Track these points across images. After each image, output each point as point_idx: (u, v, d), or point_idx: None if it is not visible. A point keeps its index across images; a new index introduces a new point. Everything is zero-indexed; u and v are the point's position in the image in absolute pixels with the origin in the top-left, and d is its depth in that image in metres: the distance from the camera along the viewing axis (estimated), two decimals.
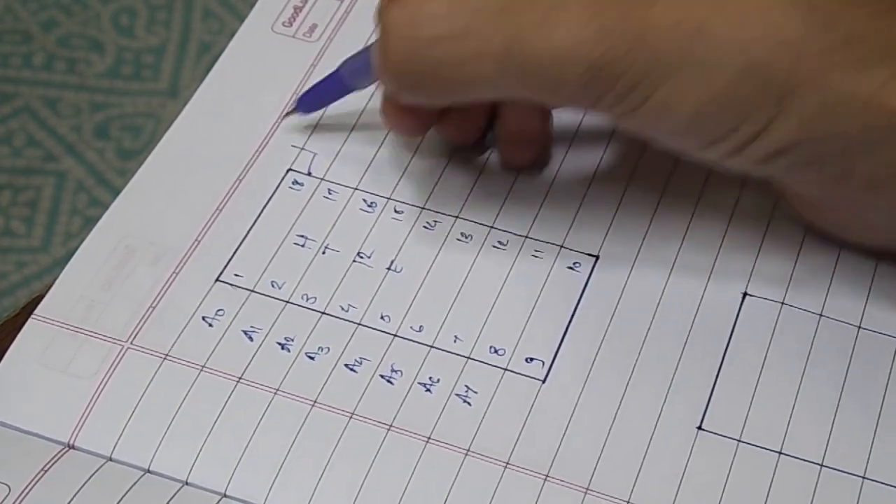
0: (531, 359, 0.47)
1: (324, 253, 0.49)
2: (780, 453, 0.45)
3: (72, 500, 0.43)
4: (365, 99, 0.53)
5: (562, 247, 0.49)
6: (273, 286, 0.48)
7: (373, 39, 0.47)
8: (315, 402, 0.46)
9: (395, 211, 0.50)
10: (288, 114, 0.52)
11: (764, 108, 0.43)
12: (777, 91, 0.42)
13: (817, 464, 0.45)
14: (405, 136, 0.51)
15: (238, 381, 0.46)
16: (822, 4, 0.42)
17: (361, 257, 0.49)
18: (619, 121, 0.45)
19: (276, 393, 0.46)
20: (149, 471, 0.44)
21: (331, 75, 0.51)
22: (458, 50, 0.44)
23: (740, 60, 0.42)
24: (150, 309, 0.47)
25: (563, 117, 0.52)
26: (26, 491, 0.43)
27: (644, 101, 0.43)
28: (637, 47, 0.42)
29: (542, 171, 0.51)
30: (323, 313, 0.48)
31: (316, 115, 0.52)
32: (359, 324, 0.47)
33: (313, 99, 0.52)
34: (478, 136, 0.51)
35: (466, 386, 0.46)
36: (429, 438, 0.45)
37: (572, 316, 0.48)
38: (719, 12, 0.42)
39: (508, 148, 0.51)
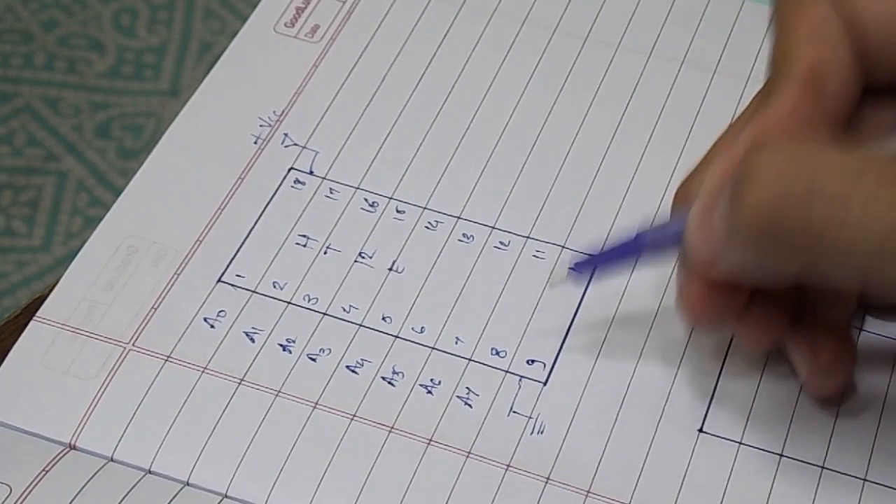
0: (532, 360, 0.47)
1: (325, 253, 0.49)
2: (781, 455, 0.45)
3: (73, 500, 0.43)
4: (367, 97, 0.53)
5: (563, 247, 0.49)
6: (275, 287, 0.48)
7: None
8: (317, 403, 0.45)
9: (397, 211, 0.50)
10: (552, 283, 0.48)
11: None
12: None
13: (819, 466, 0.45)
14: (705, 325, 0.45)
15: (240, 383, 0.46)
16: None
17: (363, 257, 0.49)
18: None
19: (277, 394, 0.46)
20: (150, 471, 0.44)
21: (626, 244, 0.44)
22: (839, 213, 0.38)
23: None
24: (152, 310, 0.47)
25: (566, 116, 0.52)
26: (28, 491, 0.43)
27: None
28: None
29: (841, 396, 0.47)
30: (325, 314, 0.47)
31: (319, 114, 0.52)
32: (360, 325, 0.47)
33: (596, 263, 0.45)
34: (772, 341, 0.45)
35: (468, 388, 0.46)
36: (430, 441, 0.45)
37: (574, 317, 0.48)
38: None
39: (815, 376, 0.45)
